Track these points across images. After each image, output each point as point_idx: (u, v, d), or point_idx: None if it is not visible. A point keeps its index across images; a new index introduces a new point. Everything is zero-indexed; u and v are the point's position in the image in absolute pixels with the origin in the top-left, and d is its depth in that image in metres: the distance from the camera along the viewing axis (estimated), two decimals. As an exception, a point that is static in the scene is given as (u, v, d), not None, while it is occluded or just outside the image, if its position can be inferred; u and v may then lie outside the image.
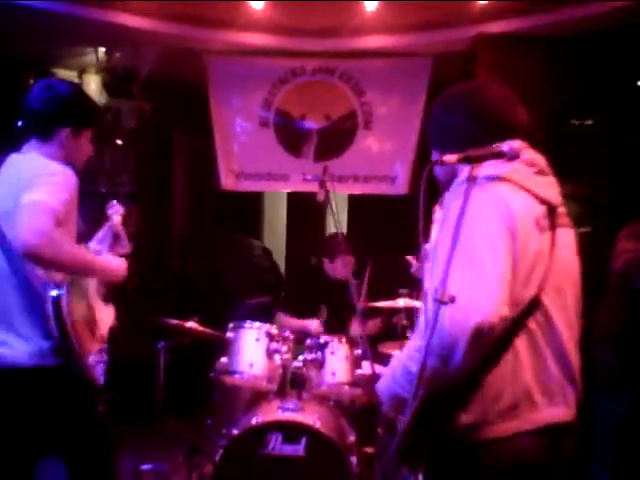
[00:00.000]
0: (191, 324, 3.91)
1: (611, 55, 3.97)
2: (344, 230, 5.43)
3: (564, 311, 1.59)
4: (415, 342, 1.53)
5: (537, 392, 1.52)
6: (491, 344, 1.45)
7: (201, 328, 3.92)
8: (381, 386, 1.70)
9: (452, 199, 1.56)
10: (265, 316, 4.66)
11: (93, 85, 5.75)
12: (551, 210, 1.59)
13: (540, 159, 1.65)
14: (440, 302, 1.42)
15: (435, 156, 1.78)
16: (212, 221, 6.18)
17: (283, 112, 4.74)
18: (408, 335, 3.74)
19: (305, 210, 6.37)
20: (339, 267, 4.15)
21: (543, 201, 1.58)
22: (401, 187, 4.66)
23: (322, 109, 4.73)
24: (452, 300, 1.42)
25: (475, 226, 1.47)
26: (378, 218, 5.50)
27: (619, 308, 3.11)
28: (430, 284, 1.51)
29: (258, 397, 3.56)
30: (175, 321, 3.86)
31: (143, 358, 4.26)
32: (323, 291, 4.22)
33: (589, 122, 5.46)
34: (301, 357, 3.43)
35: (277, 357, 3.42)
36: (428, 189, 1.50)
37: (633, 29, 3.81)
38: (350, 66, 4.67)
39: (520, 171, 1.58)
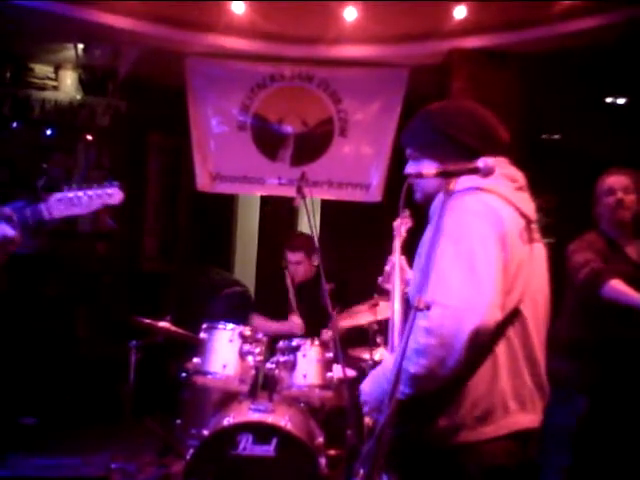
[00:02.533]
0: (164, 324, 3.94)
1: (581, 72, 4.11)
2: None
3: (537, 321, 1.68)
4: (410, 344, 1.55)
5: (511, 399, 1.60)
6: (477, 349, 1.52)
7: (174, 328, 3.95)
8: (367, 387, 1.75)
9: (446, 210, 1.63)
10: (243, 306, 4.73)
11: (69, 81, 5.73)
12: (528, 224, 1.69)
13: (520, 176, 1.75)
14: (416, 309, 1.49)
15: (412, 167, 1.86)
16: (185, 222, 6.20)
17: (261, 116, 4.79)
18: (378, 340, 3.83)
19: (278, 213, 6.43)
20: (300, 266, 4.21)
21: (523, 215, 1.68)
22: (375, 195, 4.75)
23: (299, 114, 4.79)
24: (428, 307, 1.49)
25: (470, 231, 1.55)
26: (350, 225, 5.58)
27: (579, 316, 3.23)
28: (415, 291, 1.56)
29: (229, 398, 3.60)
30: (148, 320, 3.88)
31: (115, 356, 4.28)
32: (292, 294, 4.27)
33: (557, 137, 5.63)
34: (273, 359, 3.48)
35: (250, 358, 3.46)
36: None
37: (603, 48, 3.95)
38: (328, 74, 4.74)
39: (504, 185, 1.68)
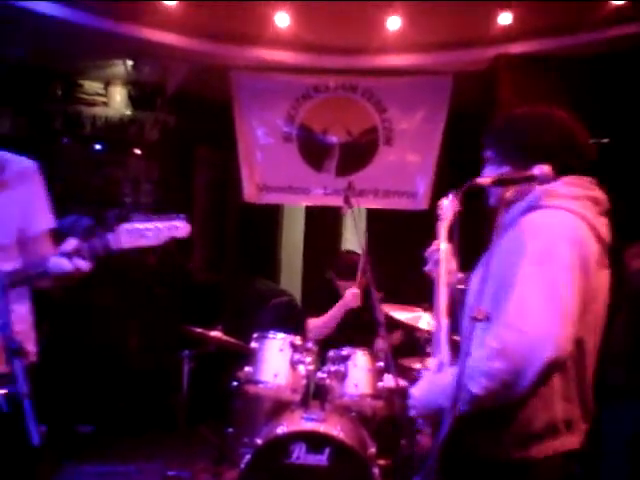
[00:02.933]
0: (215, 333, 4.01)
1: (627, 76, 4.04)
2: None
3: (594, 344, 1.66)
4: (476, 363, 1.51)
5: (561, 421, 1.60)
6: None
7: (225, 337, 4.02)
8: (418, 393, 1.74)
9: (520, 223, 1.60)
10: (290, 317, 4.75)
11: (118, 97, 5.90)
12: (604, 249, 1.65)
13: (604, 199, 1.69)
14: (475, 319, 1.49)
15: (487, 170, 1.82)
16: (232, 233, 6.28)
17: (306, 127, 4.85)
18: (428, 350, 3.81)
19: (322, 224, 6.45)
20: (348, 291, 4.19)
21: (600, 239, 1.63)
22: (422, 202, 4.75)
23: (344, 124, 4.83)
24: (488, 319, 1.49)
25: (556, 257, 1.50)
26: (396, 233, 5.57)
27: (633, 326, 3.17)
28: (490, 306, 1.52)
29: (281, 407, 3.63)
30: (199, 330, 3.96)
31: (167, 366, 4.37)
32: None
33: (605, 141, 5.51)
34: (324, 368, 3.51)
35: (301, 368, 3.50)
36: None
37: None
38: (372, 83, 4.77)
39: (589, 208, 1.63)
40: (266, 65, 4.74)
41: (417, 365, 3.77)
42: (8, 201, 2.06)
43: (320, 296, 4.36)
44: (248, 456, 3.20)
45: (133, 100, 5.95)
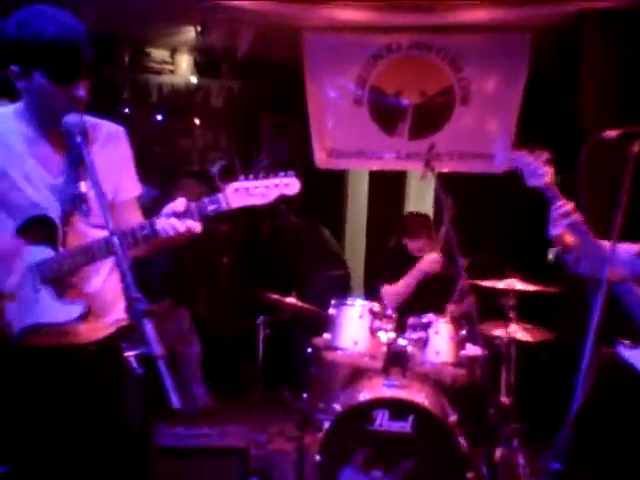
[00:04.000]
0: (291, 299, 3.97)
1: None
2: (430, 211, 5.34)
3: None
4: None
5: None
6: None
7: (300, 304, 3.98)
8: None
9: None
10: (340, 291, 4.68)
11: (184, 64, 5.86)
12: None
13: None
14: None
15: None
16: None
17: (377, 89, 4.69)
18: (511, 316, 3.68)
19: (386, 188, 6.28)
20: (421, 247, 4.07)
21: None
22: (499, 165, 4.55)
23: (417, 85, 4.65)
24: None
25: None
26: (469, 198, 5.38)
27: None
28: None
29: (358, 374, 3.57)
30: (275, 296, 3.93)
31: (242, 332, 4.39)
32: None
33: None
34: (405, 335, 3.43)
35: (381, 335, 3.43)
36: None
37: None
38: (446, 41, 4.57)
39: None
40: (337, 24, 4.59)
41: (499, 332, 3.66)
42: (99, 164, 2.00)
43: (391, 261, 4.26)
44: (328, 422, 3.18)
45: (199, 67, 5.92)
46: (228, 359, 4.87)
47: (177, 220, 1.84)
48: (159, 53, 5.77)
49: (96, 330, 2.01)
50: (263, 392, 3.95)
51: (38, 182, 1.94)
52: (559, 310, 4.11)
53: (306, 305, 3.98)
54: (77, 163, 1.85)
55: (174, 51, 5.79)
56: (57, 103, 1.84)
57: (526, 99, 4.47)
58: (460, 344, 3.41)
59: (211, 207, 1.86)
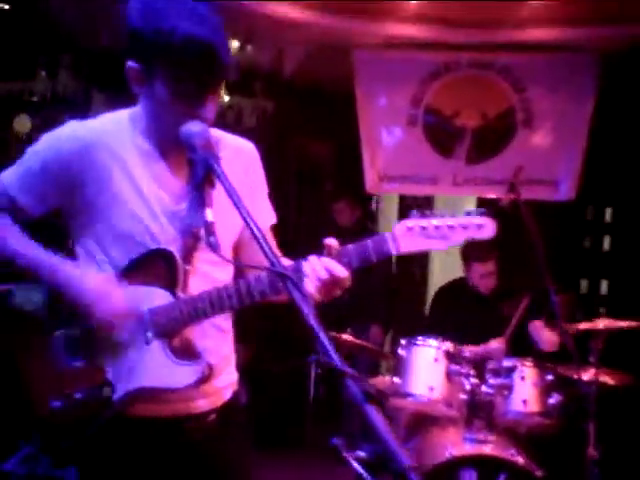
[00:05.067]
0: (347, 336, 3.63)
1: None
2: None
3: None
4: None
5: None
6: None
7: (358, 341, 3.64)
8: None
9: None
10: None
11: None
12: None
13: None
14: None
15: None
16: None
17: (433, 109, 4.39)
18: (591, 359, 3.33)
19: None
20: (492, 277, 3.73)
21: None
22: (566, 193, 4.24)
23: (477, 106, 4.35)
24: None
25: None
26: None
27: None
28: None
29: (424, 423, 3.23)
30: (331, 333, 3.58)
31: (295, 371, 4.02)
32: (471, 306, 3.78)
33: None
34: (489, 382, 3.07)
35: (460, 380, 3.08)
36: None
37: None
38: (508, 60, 4.28)
39: None
40: (392, 42, 4.30)
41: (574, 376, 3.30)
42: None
43: (449, 298, 3.89)
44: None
45: (229, 85, 5.62)
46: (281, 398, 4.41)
47: (330, 265, 1.43)
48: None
49: (215, 394, 1.65)
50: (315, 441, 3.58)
51: (157, 208, 1.55)
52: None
53: (364, 343, 3.64)
54: (202, 185, 1.42)
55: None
56: (176, 122, 1.44)
57: (599, 124, 4.16)
58: (546, 391, 3.06)
59: (376, 252, 1.43)
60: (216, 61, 1.40)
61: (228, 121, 5.65)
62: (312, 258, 1.46)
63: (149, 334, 1.52)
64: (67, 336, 1.56)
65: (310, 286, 1.44)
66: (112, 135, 1.55)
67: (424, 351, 3.14)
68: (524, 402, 3.01)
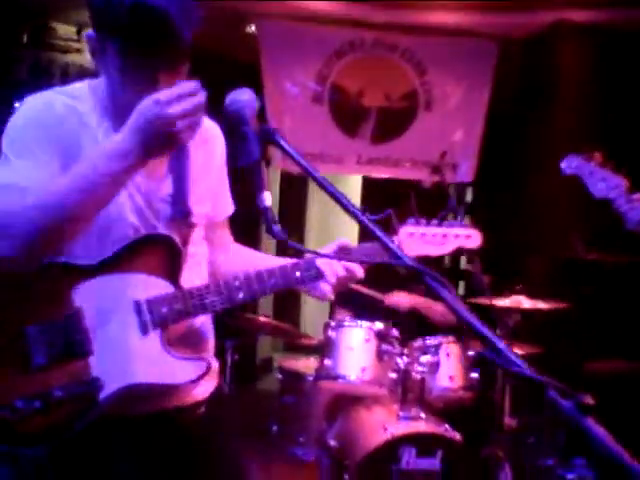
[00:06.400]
0: (264, 319, 3.55)
1: None
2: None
3: None
4: None
5: None
6: None
7: (276, 323, 3.56)
8: None
9: None
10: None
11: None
12: None
13: None
14: None
15: None
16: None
17: (339, 88, 4.35)
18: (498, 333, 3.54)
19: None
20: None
21: None
22: (465, 175, 4.42)
23: (381, 87, 4.38)
24: None
25: None
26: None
27: None
28: None
29: (351, 403, 3.25)
30: (245, 315, 3.47)
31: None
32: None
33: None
34: (418, 359, 3.14)
35: (390, 359, 3.12)
36: None
37: None
38: (412, 42, 4.36)
39: None
40: (296, 14, 4.19)
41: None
42: (199, 173, 1.52)
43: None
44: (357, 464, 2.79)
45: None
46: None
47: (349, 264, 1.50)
48: (64, 29, 4.96)
49: (203, 384, 1.52)
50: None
51: (134, 190, 1.42)
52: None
53: (283, 325, 3.57)
54: (259, 163, 1.28)
55: (82, 27, 5.01)
56: (130, 100, 1.29)
57: (494, 111, 4.37)
58: (469, 366, 3.19)
59: (382, 253, 1.44)
60: (168, 32, 1.27)
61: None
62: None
63: (146, 327, 1.37)
64: (42, 331, 1.34)
65: (327, 284, 1.49)
66: (76, 109, 1.41)
67: (354, 332, 3.12)
68: (450, 378, 3.11)
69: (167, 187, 1.47)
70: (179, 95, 1.27)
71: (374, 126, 4.40)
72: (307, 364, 3.42)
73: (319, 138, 4.36)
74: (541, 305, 3.36)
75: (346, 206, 1.10)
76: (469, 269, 3.12)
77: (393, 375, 3.11)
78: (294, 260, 1.51)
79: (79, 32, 5.03)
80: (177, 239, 1.43)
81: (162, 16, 1.25)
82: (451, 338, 3.23)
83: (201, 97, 1.29)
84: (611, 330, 3.66)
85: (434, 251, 1.56)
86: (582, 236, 3.69)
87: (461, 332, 3.73)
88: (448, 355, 3.15)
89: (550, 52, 4.09)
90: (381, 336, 3.13)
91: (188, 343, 1.49)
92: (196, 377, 1.41)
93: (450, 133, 4.43)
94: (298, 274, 1.47)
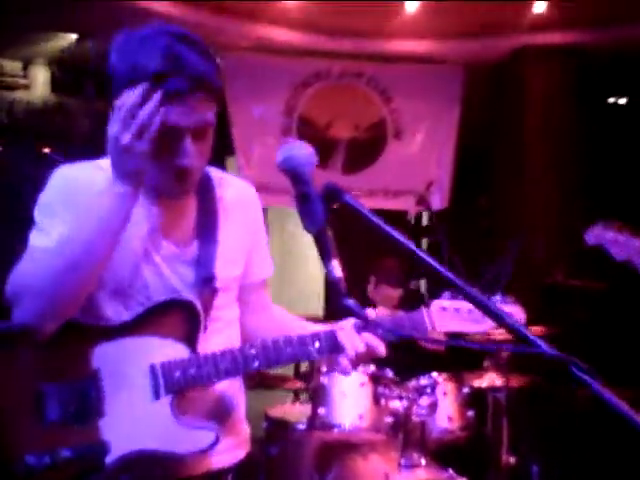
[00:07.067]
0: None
1: None
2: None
3: None
4: None
5: None
6: None
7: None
8: None
9: None
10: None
11: (41, 79, 4.84)
12: None
13: None
14: None
15: None
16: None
17: (307, 119, 4.24)
18: (485, 364, 3.46)
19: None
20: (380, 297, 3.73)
21: None
22: (438, 203, 4.36)
23: (349, 117, 4.29)
24: None
25: None
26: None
27: None
28: None
29: (346, 452, 3.08)
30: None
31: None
32: None
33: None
34: (416, 400, 3.01)
35: (386, 402, 2.98)
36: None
37: None
38: (378, 70, 4.29)
39: None
40: (263, 46, 4.07)
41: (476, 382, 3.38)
42: (229, 237, 1.46)
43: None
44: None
45: (57, 83, 4.92)
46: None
47: (370, 340, 1.37)
48: (9, 65, 4.69)
49: (231, 451, 1.49)
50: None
51: (157, 256, 1.40)
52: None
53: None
54: (325, 229, 1.17)
55: (28, 62, 4.76)
56: (155, 166, 1.31)
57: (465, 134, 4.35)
58: (465, 404, 3.09)
59: (411, 328, 1.40)
60: (200, 82, 1.27)
61: (56, 125, 4.95)
62: (348, 329, 1.38)
63: (159, 390, 1.34)
64: (59, 390, 1.33)
65: (345, 359, 1.39)
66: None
67: (349, 377, 2.98)
68: (449, 418, 3.00)
69: (192, 251, 1.42)
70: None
71: (345, 157, 4.30)
72: (292, 410, 3.26)
73: (289, 171, 4.22)
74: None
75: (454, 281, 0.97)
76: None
77: (390, 419, 2.98)
78: (315, 330, 1.42)
79: (25, 68, 4.79)
80: (198, 304, 1.37)
81: (187, 87, 1.26)
82: (445, 375, 3.12)
83: (133, 97, 1.25)
84: (595, 355, 3.62)
85: (470, 328, 1.42)
86: (563, 263, 3.68)
87: (449, 360, 3.66)
88: (445, 394, 3.03)
89: (517, 76, 4.10)
90: (376, 378, 3.00)
91: (207, 410, 1.43)
92: (201, 448, 1.35)
93: (421, 161, 4.37)
94: (317, 345, 1.39)
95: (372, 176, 4.28)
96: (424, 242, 5.06)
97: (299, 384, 3.60)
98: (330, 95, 4.25)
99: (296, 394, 3.75)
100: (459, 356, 3.59)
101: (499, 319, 0.96)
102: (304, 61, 4.19)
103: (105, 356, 1.34)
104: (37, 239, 1.36)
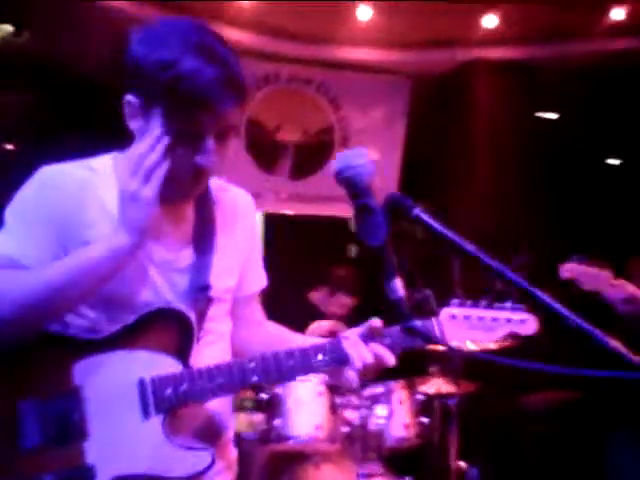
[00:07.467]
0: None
1: (622, 92, 4.03)
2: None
3: None
4: None
5: None
6: None
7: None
8: None
9: None
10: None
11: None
12: None
13: None
14: None
15: None
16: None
17: (256, 122, 4.15)
18: (431, 369, 3.49)
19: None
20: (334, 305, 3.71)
21: None
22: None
23: (298, 121, 4.25)
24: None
25: None
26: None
27: None
28: None
29: (300, 462, 3.03)
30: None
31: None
32: None
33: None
34: (372, 410, 3.00)
35: (342, 412, 2.95)
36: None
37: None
38: (327, 77, 4.27)
39: None
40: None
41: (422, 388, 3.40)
42: (226, 245, 1.39)
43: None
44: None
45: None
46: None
47: (378, 350, 1.30)
48: None
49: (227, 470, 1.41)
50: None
51: (156, 265, 1.32)
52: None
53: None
54: (386, 245, 1.12)
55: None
56: (173, 165, 1.23)
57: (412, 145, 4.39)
58: (419, 411, 3.12)
59: (421, 337, 1.31)
60: (217, 104, 1.22)
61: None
62: (354, 338, 1.31)
63: (149, 408, 1.24)
64: (38, 409, 1.24)
65: (352, 371, 1.31)
66: (91, 181, 1.32)
67: (305, 386, 2.93)
68: (405, 426, 3.01)
69: (186, 258, 1.33)
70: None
71: (292, 162, 4.25)
72: (239, 419, 3.17)
73: (235, 174, 4.10)
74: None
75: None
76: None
77: (346, 429, 2.95)
78: (318, 342, 1.35)
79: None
80: (191, 314, 1.29)
81: (214, 89, 1.21)
82: (400, 383, 3.13)
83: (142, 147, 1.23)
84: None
85: (481, 337, 1.35)
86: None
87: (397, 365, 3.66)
88: (400, 402, 3.05)
89: (465, 89, 4.19)
90: (333, 388, 2.97)
91: (199, 430, 1.33)
92: (197, 471, 1.26)
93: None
94: (320, 357, 1.31)
95: (319, 182, 4.25)
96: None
97: (247, 393, 3.51)
98: (279, 99, 4.19)
99: (242, 403, 3.67)
100: (405, 361, 3.61)
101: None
102: (253, 64, 4.09)
103: (89, 371, 1.25)
104: (4, 244, 1.27)
